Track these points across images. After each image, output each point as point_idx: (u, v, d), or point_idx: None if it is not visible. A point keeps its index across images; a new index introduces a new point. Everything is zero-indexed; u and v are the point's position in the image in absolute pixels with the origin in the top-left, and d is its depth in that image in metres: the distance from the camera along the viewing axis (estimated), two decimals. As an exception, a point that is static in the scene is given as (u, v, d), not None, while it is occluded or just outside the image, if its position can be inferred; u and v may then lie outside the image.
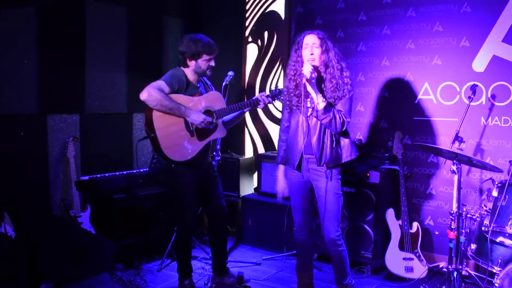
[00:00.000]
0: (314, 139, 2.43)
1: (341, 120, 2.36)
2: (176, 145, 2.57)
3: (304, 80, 2.33)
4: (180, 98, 2.59)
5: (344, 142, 2.47)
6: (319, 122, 2.41)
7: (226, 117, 2.82)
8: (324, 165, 2.43)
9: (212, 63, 2.70)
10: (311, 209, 2.63)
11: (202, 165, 2.76)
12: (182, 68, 2.70)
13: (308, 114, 2.44)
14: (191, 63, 2.68)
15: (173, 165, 2.65)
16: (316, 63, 2.40)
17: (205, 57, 2.66)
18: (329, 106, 2.36)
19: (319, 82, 2.40)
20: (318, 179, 2.47)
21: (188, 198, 2.73)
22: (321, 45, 2.39)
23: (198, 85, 2.75)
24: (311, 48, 2.39)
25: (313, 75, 2.32)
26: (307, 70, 2.31)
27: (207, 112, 2.67)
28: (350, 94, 2.42)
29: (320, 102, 2.34)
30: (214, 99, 2.73)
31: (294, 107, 2.50)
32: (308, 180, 2.54)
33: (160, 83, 2.54)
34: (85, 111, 3.44)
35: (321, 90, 2.39)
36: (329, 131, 2.42)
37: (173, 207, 2.82)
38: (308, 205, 2.60)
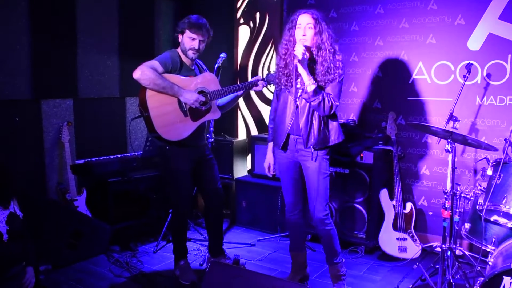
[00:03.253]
0: (302, 121, 2.30)
1: (330, 104, 2.23)
2: (170, 125, 2.45)
3: (295, 61, 2.17)
4: (173, 78, 2.46)
5: (332, 125, 2.35)
6: (308, 103, 2.27)
7: (221, 101, 2.69)
8: (311, 147, 2.31)
9: (195, 45, 2.51)
10: (301, 189, 2.52)
11: (197, 146, 2.63)
12: (177, 50, 2.57)
13: (298, 96, 2.30)
14: (180, 38, 2.56)
15: (167, 147, 2.53)
16: (308, 44, 2.23)
17: (187, 33, 2.51)
18: (318, 89, 2.22)
19: (310, 64, 2.25)
20: (306, 160, 2.36)
21: (183, 180, 2.61)
22: (315, 26, 2.23)
23: (193, 67, 2.61)
24: (304, 28, 2.23)
25: (305, 56, 2.17)
26: (299, 51, 2.14)
27: (201, 93, 2.53)
28: (340, 78, 2.28)
29: (310, 84, 2.20)
30: (208, 81, 2.59)
31: (283, 87, 2.36)
32: (297, 160, 2.42)
33: (154, 62, 2.42)
34: (78, 95, 3.31)
35: (312, 72, 2.24)
36: (317, 113, 2.29)
37: (168, 189, 2.71)
38: (298, 185, 2.49)
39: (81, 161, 3.17)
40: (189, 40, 2.51)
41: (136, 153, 3.32)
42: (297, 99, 2.31)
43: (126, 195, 3.30)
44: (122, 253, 3.06)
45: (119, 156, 3.34)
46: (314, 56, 2.26)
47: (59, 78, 3.18)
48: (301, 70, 2.20)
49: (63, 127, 3.17)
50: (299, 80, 2.27)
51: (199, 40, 2.52)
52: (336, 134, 2.36)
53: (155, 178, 3.33)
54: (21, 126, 3.01)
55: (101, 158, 3.25)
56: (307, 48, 2.22)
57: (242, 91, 2.64)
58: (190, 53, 2.53)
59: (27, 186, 3.06)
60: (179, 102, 2.47)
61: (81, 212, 3.06)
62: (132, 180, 3.21)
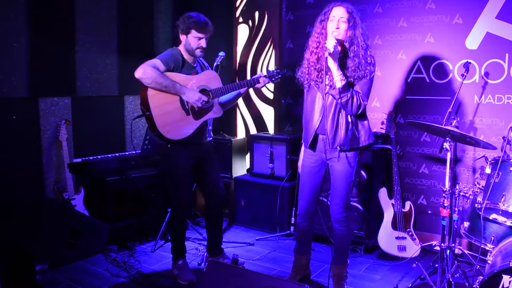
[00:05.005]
0: (328, 119, 2.21)
1: (358, 103, 2.14)
2: (171, 124, 2.43)
3: (326, 54, 2.07)
4: (175, 76, 2.44)
5: (363, 124, 2.24)
6: (335, 101, 2.18)
7: (223, 98, 2.67)
8: (338, 147, 2.21)
9: (203, 44, 2.50)
10: (318, 195, 2.44)
11: (199, 145, 2.61)
12: (178, 47, 2.55)
13: (326, 91, 2.19)
14: (182, 38, 2.52)
15: (169, 145, 2.50)
16: (341, 38, 2.14)
17: (194, 33, 2.48)
18: (347, 86, 2.13)
19: (341, 59, 2.16)
20: (333, 161, 2.27)
21: (183, 178, 2.59)
22: (349, 20, 2.14)
23: (195, 65, 2.59)
24: (337, 21, 2.14)
25: (337, 49, 2.08)
26: (330, 44, 2.05)
27: (203, 91, 2.51)
28: (371, 75, 2.18)
29: (339, 80, 2.11)
30: (210, 78, 2.57)
31: (313, 82, 2.26)
32: (325, 162, 2.32)
33: (155, 61, 2.40)
34: (76, 94, 3.27)
35: (342, 67, 2.15)
36: (344, 111, 2.20)
37: (168, 188, 2.68)
38: (317, 191, 2.41)
39: (79, 160, 3.13)
40: (196, 40, 2.49)
41: (136, 152, 3.28)
42: (325, 96, 2.20)
43: (124, 194, 3.26)
44: (120, 253, 3.02)
45: (117, 154, 3.30)
46: (346, 50, 2.17)
47: (57, 76, 3.14)
48: (331, 64, 2.11)
49: (61, 125, 3.13)
50: (328, 75, 2.17)
51: (205, 39, 2.50)
52: (366, 134, 2.24)
53: (153, 177, 3.30)
54: (19, 125, 2.96)
55: (99, 156, 3.21)
56: (339, 42, 2.14)
57: (244, 88, 2.61)
58: (197, 52, 2.52)
59: (24, 185, 3.01)
60: (181, 100, 2.45)
61: (79, 211, 3.02)
62: (130, 179, 3.18)
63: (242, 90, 2.64)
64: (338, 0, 2.23)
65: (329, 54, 2.07)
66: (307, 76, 2.28)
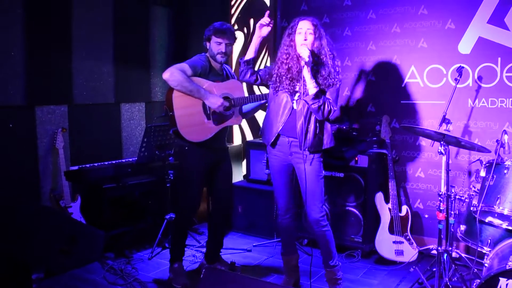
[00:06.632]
0: (299, 124, 2.33)
1: (329, 108, 2.28)
2: (192, 126, 2.52)
3: (302, 63, 2.22)
4: (201, 81, 2.53)
5: (327, 129, 2.40)
6: (306, 107, 2.30)
7: (246, 107, 2.76)
8: (306, 149, 2.34)
9: (222, 48, 2.59)
10: (294, 193, 2.54)
11: (216, 150, 2.68)
12: (206, 54, 2.65)
13: (296, 98, 2.33)
14: (208, 45, 2.64)
15: (186, 147, 2.58)
16: (309, 49, 2.28)
17: (214, 39, 2.59)
18: (320, 93, 2.26)
19: (312, 68, 2.29)
20: (300, 162, 2.38)
21: (195, 180, 2.65)
22: (315, 32, 2.30)
23: (221, 73, 2.67)
24: (304, 34, 2.29)
25: (311, 59, 2.23)
26: (305, 54, 2.20)
27: (225, 98, 2.59)
28: (339, 83, 2.34)
29: (312, 88, 2.24)
30: (233, 87, 2.66)
31: (286, 91, 2.38)
32: (290, 163, 2.44)
33: (184, 65, 2.51)
34: (73, 102, 3.28)
35: (314, 76, 2.28)
36: (314, 117, 2.33)
37: (179, 187, 2.75)
38: (291, 188, 2.51)
39: (76, 168, 3.12)
40: (216, 45, 2.58)
41: (132, 159, 3.28)
42: (293, 102, 2.35)
43: (121, 201, 3.26)
44: (117, 260, 3.01)
45: (113, 162, 3.30)
46: (316, 60, 2.30)
47: (54, 84, 3.15)
48: (305, 72, 2.24)
49: (57, 133, 3.13)
50: (298, 83, 2.31)
51: (225, 44, 2.59)
52: (329, 138, 2.41)
53: (150, 184, 3.29)
54: (15, 133, 2.96)
55: (96, 164, 3.20)
56: (311, 53, 2.26)
57: (265, 100, 2.69)
58: (219, 57, 2.60)
59: (21, 193, 3.00)
60: (204, 105, 2.54)
61: (75, 219, 3.01)
62: (127, 186, 3.17)
63: (264, 101, 2.72)
64: (303, 15, 2.40)
65: (305, 62, 2.21)
66: (278, 84, 2.39)
